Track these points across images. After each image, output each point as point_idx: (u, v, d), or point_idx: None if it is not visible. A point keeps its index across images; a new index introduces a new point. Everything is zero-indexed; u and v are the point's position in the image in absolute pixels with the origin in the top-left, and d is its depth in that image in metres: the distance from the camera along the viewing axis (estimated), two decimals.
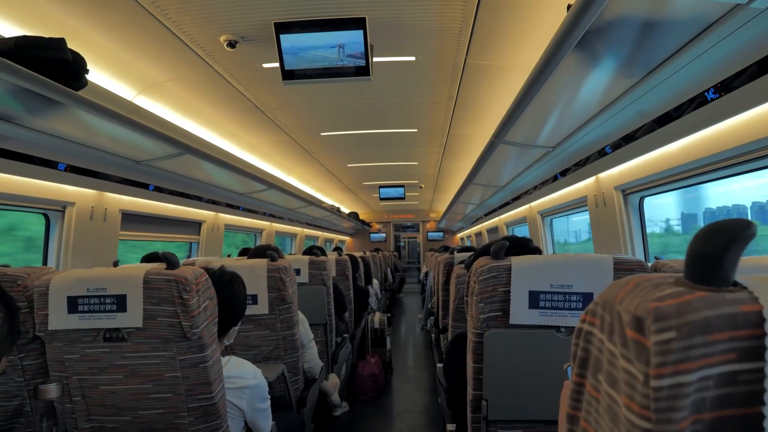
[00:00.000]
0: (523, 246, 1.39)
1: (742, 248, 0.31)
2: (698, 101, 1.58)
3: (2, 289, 0.89)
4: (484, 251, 1.34)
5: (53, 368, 1.18)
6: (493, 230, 7.11)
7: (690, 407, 0.30)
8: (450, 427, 1.67)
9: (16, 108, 1.63)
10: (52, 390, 0.96)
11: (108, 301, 1.13)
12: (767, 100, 1.39)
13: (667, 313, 0.30)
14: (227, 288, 1.33)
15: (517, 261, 1.16)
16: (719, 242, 0.31)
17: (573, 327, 0.39)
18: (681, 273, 0.34)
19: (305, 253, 2.97)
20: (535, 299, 1.14)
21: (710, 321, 0.30)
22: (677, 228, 2.81)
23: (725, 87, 1.44)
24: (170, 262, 1.16)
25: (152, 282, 1.13)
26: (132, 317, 1.13)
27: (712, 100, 1.49)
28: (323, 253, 3.06)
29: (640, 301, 0.33)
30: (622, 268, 1.13)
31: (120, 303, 1.13)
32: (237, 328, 1.40)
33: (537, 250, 1.41)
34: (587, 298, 1.12)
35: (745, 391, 0.30)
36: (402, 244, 13.67)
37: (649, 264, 1.22)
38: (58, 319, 1.14)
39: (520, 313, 1.15)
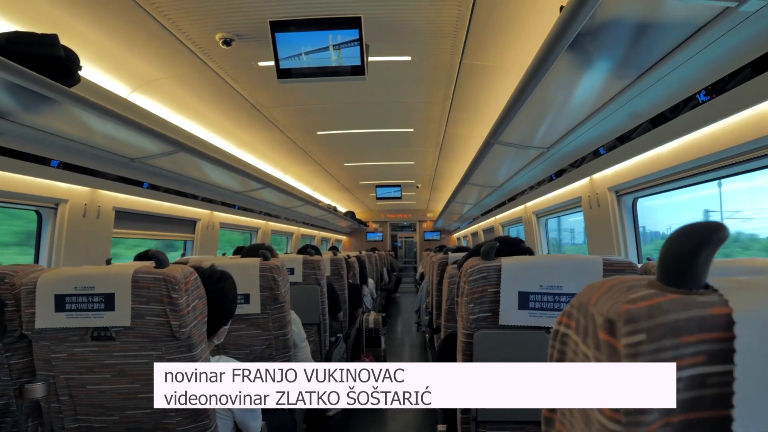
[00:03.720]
0: (515, 246, 1.39)
1: (714, 251, 0.31)
2: (691, 103, 1.58)
3: None
4: (475, 251, 1.34)
5: (40, 367, 1.17)
6: (489, 230, 7.13)
7: (659, 410, 0.30)
8: (441, 427, 1.67)
9: (7, 104, 1.61)
10: (37, 389, 0.96)
11: (96, 299, 1.12)
12: (759, 102, 1.40)
13: (638, 315, 0.30)
14: (217, 287, 1.32)
15: (507, 261, 1.16)
16: (691, 245, 0.31)
17: None
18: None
19: (299, 252, 2.96)
20: (524, 300, 1.14)
21: (680, 323, 0.29)
22: None
23: (717, 89, 1.44)
24: (159, 260, 1.15)
25: (141, 281, 1.12)
26: (120, 316, 1.12)
27: (703, 102, 1.50)
28: (317, 252, 3.05)
29: (612, 303, 0.33)
30: (612, 269, 1.13)
31: (108, 301, 1.12)
32: (227, 327, 1.39)
33: (528, 251, 1.41)
34: None
35: (714, 394, 0.30)
36: (399, 243, 13.67)
37: (639, 265, 1.22)
38: (46, 317, 1.13)
39: (510, 313, 1.15)
